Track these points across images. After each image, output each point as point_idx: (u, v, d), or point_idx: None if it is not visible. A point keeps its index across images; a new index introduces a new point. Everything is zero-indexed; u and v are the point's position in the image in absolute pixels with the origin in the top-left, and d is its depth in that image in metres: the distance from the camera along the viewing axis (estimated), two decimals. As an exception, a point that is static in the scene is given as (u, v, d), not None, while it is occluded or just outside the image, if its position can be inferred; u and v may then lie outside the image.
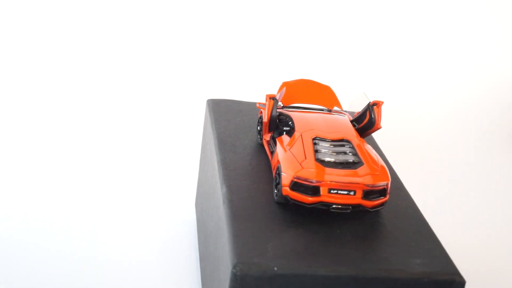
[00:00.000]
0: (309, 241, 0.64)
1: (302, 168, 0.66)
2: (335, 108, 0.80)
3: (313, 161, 0.67)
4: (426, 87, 1.34)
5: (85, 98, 1.26)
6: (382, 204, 0.68)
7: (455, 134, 1.25)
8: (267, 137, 0.77)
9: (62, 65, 1.32)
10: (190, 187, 1.01)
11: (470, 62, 1.37)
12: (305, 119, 0.73)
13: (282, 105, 0.79)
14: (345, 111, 0.81)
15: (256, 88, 1.13)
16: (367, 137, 0.85)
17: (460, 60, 1.37)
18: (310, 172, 0.66)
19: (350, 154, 0.69)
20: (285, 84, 0.81)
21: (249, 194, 0.70)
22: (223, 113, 0.88)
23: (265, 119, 0.74)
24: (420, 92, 1.33)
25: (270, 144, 0.75)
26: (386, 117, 1.04)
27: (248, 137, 0.82)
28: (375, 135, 0.88)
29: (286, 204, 0.68)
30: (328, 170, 0.66)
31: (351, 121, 0.76)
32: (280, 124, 0.75)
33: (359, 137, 0.72)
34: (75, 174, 1.04)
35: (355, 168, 0.67)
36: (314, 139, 0.70)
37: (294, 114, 0.75)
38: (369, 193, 0.66)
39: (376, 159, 0.69)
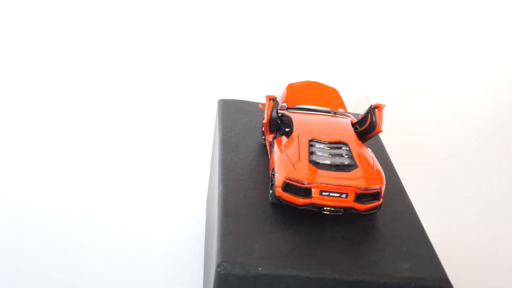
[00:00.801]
0: (297, 243, 0.64)
1: (295, 169, 0.66)
2: (340, 110, 0.80)
3: (307, 162, 0.67)
4: (435, 90, 1.33)
5: (104, 98, 1.28)
6: (375, 208, 0.67)
7: (464, 138, 1.23)
8: (269, 138, 0.77)
9: (76, 67, 1.33)
10: (204, 185, 1.02)
11: (477, 66, 1.35)
12: (304, 121, 0.73)
13: (286, 106, 0.79)
14: (350, 114, 0.81)
15: (275, 90, 1.13)
16: (375, 139, 0.85)
17: (468, 65, 1.35)
18: (301, 174, 0.66)
19: (346, 156, 0.69)
20: (290, 86, 0.82)
21: (245, 194, 0.70)
22: (231, 113, 0.88)
23: (265, 120, 0.74)
24: (430, 95, 1.31)
25: (272, 145, 0.76)
26: (394, 121, 1.03)
27: (252, 138, 0.82)
28: (383, 138, 0.87)
29: (280, 205, 0.68)
30: (321, 172, 0.66)
31: (354, 124, 0.76)
32: (282, 125, 0.75)
33: (357, 140, 0.72)
34: (94, 172, 1.06)
35: (349, 171, 0.67)
36: (310, 140, 0.70)
37: (295, 116, 0.75)
38: (361, 196, 0.66)
39: (372, 162, 0.69)
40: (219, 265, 0.60)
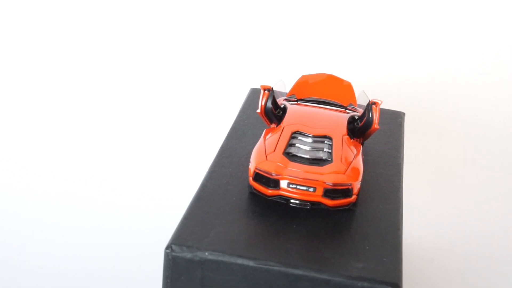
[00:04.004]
0: (257, 232, 0.65)
1: (266, 160, 0.67)
2: (350, 104, 0.79)
3: (280, 154, 0.67)
4: (456, 94, 1.24)
5: (136, 86, 1.29)
6: (346, 205, 0.66)
7: (478, 142, 1.15)
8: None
9: (106, 61, 1.34)
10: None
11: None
12: (296, 112, 0.73)
13: (296, 97, 0.79)
14: (359, 109, 0.79)
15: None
16: (396, 138, 0.83)
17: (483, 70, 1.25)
18: (270, 165, 0.66)
19: (326, 151, 0.68)
20: (303, 77, 0.81)
21: (227, 181, 0.72)
22: (255, 102, 0.89)
23: (258, 110, 0.74)
24: (453, 96, 1.23)
25: None
26: (418, 121, 0.98)
27: (263, 128, 0.83)
28: (407, 136, 0.85)
29: (256, 194, 0.69)
30: (292, 164, 0.66)
31: (357, 119, 0.75)
32: (283, 116, 0.76)
33: (346, 135, 0.71)
34: (124, 160, 1.10)
35: (322, 166, 0.66)
36: (294, 132, 0.70)
37: (291, 107, 0.75)
38: (330, 192, 0.65)
39: (351, 159, 0.68)
40: (168, 247, 0.62)
